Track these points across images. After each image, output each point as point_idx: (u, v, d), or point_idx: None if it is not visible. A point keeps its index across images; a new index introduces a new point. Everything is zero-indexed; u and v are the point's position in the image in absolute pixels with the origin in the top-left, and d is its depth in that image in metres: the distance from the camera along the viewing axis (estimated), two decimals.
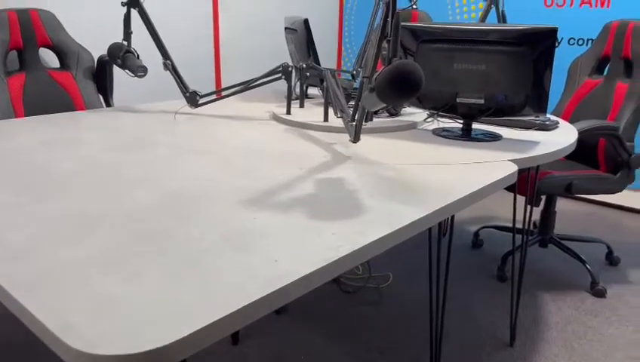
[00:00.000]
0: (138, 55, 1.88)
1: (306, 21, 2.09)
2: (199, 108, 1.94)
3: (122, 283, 0.68)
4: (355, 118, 1.32)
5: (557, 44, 3.18)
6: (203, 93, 1.90)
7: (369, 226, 0.90)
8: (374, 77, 1.08)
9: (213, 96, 1.91)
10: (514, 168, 1.30)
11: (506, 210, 3.11)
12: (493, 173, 1.25)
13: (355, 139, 1.34)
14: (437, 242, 1.43)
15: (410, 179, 1.19)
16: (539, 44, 1.47)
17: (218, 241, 0.82)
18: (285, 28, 2.39)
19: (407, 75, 0.97)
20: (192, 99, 1.87)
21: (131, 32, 1.84)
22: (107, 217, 0.91)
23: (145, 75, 1.84)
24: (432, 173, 1.24)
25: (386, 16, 1.09)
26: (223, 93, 1.90)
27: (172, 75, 1.84)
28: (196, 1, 3.08)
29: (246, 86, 1.85)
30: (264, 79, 1.83)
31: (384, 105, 1.08)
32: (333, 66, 4.16)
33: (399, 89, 0.98)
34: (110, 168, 1.22)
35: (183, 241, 0.82)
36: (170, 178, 1.15)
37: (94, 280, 0.69)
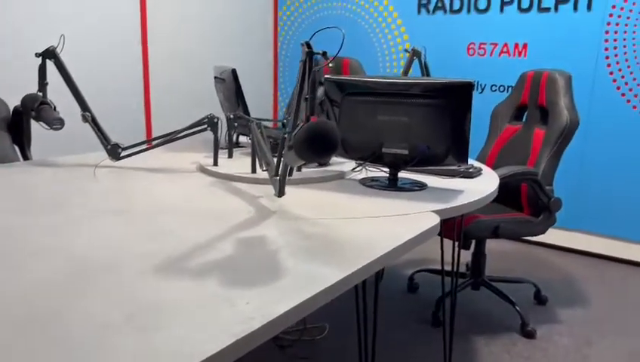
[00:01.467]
0: (55, 106, 1.79)
1: (233, 71, 2.08)
2: (122, 160, 1.86)
3: None
4: (279, 172, 1.30)
5: (480, 91, 3.34)
6: (127, 145, 1.83)
7: (286, 292, 0.86)
8: (293, 134, 1.06)
9: (137, 148, 1.84)
10: (437, 220, 1.31)
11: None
12: (417, 225, 1.25)
13: (280, 194, 1.31)
14: (362, 290, 1.41)
15: (334, 234, 1.17)
16: (456, 96, 1.52)
17: (119, 320, 0.76)
18: (214, 77, 2.37)
19: (322, 134, 0.96)
20: (114, 152, 1.79)
21: (47, 83, 1.75)
22: None
23: (62, 127, 1.75)
24: (357, 227, 1.23)
25: (303, 74, 1.09)
26: (147, 145, 1.84)
27: (92, 127, 1.76)
28: (124, 46, 3.02)
29: (170, 138, 1.80)
30: (189, 130, 1.78)
31: (303, 162, 1.07)
32: (269, 114, 4.17)
33: (314, 149, 0.97)
34: (11, 235, 1.12)
35: (78, 323, 0.75)
36: (78, 245, 1.07)
37: None
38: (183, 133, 1.80)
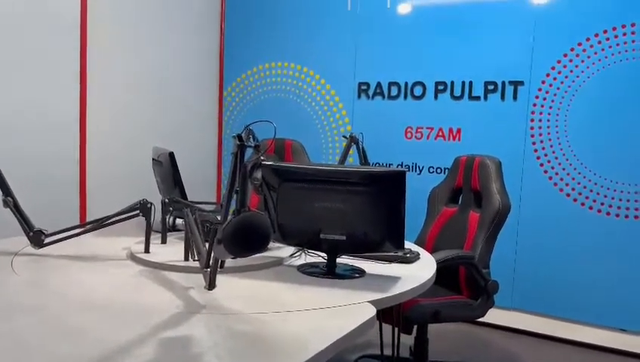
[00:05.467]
0: None
1: (171, 154, 2.05)
2: (47, 247, 1.75)
3: None
4: (210, 264, 1.25)
5: (419, 173, 3.45)
6: (56, 230, 1.73)
7: None
8: (222, 227, 1.03)
9: (63, 235, 1.74)
10: (373, 312, 1.28)
11: (387, 335, 3.09)
12: (352, 318, 1.22)
13: (210, 287, 1.26)
14: None
15: (265, 332, 1.12)
16: (390, 185, 1.54)
17: None
18: (152, 159, 2.33)
19: (251, 230, 0.94)
20: (36, 239, 1.69)
21: None
22: None
23: None
24: (291, 322, 1.18)
25: (234, 167, 1.08)
26: (74, 231, 1.75)
27: (13, 212, 1.66)
28: (60, 127, 2.95)
29: (100, 223, 1.73)
30: (120, 216, 1.72)
31: (232, 256, 1.03)
32: (213, 195, 4.11)
33: (243, 244, 0.94)
34: None
35: None
36: None
37: None
38: (113, 219, 1.73)
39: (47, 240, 1.71)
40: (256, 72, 4.05)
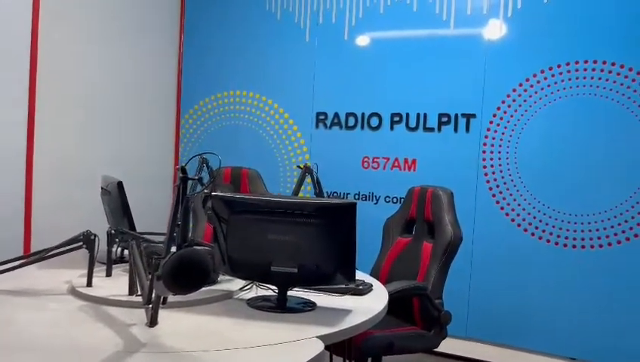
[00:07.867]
0: None
1: (119, 183, 1.99)
2: None
3: None
4: (151, 300, 1.21)
5: (375, 202, 3.47)
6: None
7: None
8: (162, 263, 1.00)
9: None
10: (320, 348, 1.26)
11: None
12: (301, 355, 1.19)
13: (151, 324, 1.21)
14: None
15: None
16: (340, 217, 1.54)
17: None
18: (101, 188, 2.26)
19: (189, 267, 0.91)
20: None
21: None
22: None
23: None
24: (236, 360, 1.15)
25: (177, 199, 1.05)
26: (13, 264, 1.66)
27: None
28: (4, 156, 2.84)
29: (41, 256, 1.65)
30: (62, 248, 1.64)
31: (172, 293, 0.99)
32: (164, 226, 4.00)
33: (181, 282, 0.91)
34: None
35: None
36: None
37: None
38: (54, 251, 1.65)
39: None
40: (214, 99, 4.03)
